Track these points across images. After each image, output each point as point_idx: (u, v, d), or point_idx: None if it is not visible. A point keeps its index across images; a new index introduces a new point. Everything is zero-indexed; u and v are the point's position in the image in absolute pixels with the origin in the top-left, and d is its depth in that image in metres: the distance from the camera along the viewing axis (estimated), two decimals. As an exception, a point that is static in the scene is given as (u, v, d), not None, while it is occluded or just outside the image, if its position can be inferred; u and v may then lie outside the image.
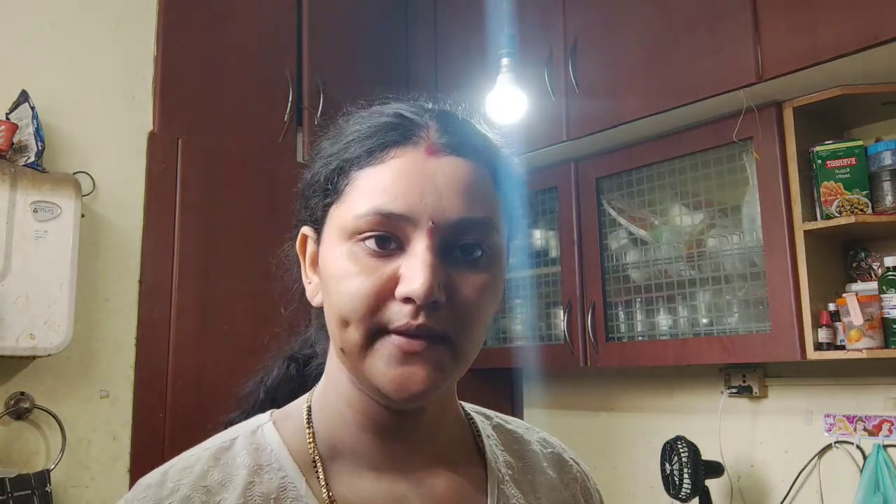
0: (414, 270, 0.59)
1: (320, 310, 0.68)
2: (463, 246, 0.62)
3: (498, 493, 0.71)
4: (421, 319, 0.59)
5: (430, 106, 0.68)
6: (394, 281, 0.60)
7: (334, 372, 0.68)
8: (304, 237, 0.70)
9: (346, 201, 0.63)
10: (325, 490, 0.65)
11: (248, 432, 0.69)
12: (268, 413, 0.71)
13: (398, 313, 0.59)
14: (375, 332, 0.60)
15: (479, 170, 0.63)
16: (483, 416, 0.79)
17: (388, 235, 0.60)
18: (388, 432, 0.67)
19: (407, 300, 0.59)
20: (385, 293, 0.60)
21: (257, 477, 0.64)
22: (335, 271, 0.62)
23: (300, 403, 0.71)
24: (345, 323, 0.61)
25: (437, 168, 0.61)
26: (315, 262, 0.68)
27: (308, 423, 0.69)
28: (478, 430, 0.76)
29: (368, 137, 0.64)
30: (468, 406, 0.79)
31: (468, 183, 0.62)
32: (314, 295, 0.69)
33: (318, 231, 0.67)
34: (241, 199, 2.28)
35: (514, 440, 0.78)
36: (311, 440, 0.67)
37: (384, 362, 0.60)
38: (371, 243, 0.60)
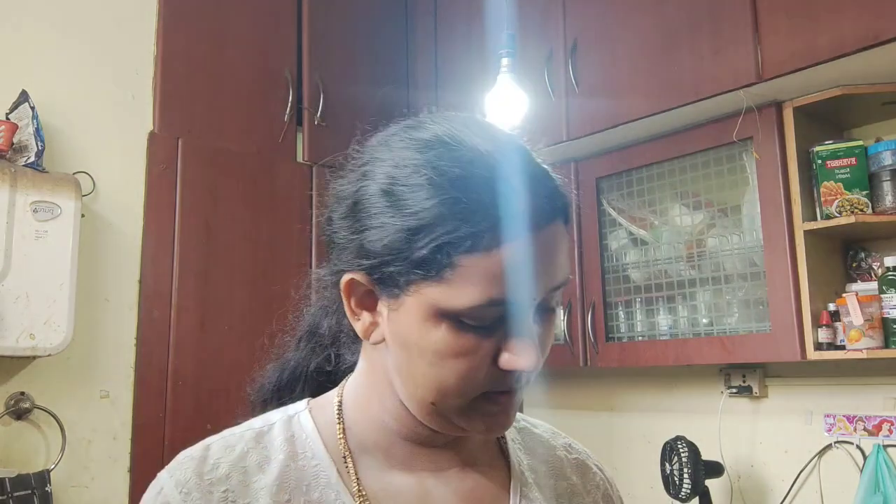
0: (524, 348, 0.60)
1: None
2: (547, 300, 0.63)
3: (521, 496, 0.72)
4: (520, 382, 0.62)
5: (516, 158, 0.62)
6: (497, 350, 0.61)
7: (382, 387, 0.68)
8: (354, 282, 0.64)
9: (449, 284, 0.58)
10: (355, 481, 0.66)
11: (286, 418, 0.71)
12: (304, 401, 0.73)
13: (499, 381, 0.61)
14: (476, 398, 0.62)
15: (566, 229, 0.63)
16: None
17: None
18: (423, 439, 0.69)
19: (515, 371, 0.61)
20: (486, 365, 0.61)
21: (293, 462, 0.67)
22: (433, 347, 0.60)
23: (331, 397, 0.73)
24: (447, 393, 0.62)
25: (540, 243, 0.59)
26: (365, 303, 0.65)
27: (339, 417, 0.70)
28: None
29: (472, 222, 0.57)
30: None
31: (563, 248, 0.62)
32: (369, 333, 0.65)
33: (388, 289, 0.62)
34: (241, 199, 2.28)
35: (538, 444, 0.79)
36: (341, 435, 0.69)
37: (479, 418, 0.63)
38: (474, 323, 0.59)
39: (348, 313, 0.67)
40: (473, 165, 0.59)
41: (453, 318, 0.59)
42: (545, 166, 0.64)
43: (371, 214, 0.61)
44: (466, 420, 0.63)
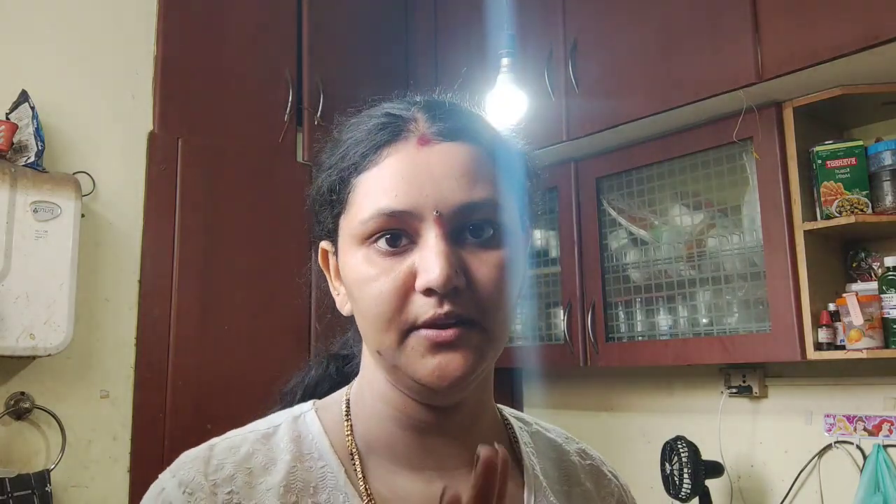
0: (429, 261, 0.59)
1: (353, 316, 0.69)
2: (472, 228, 0.62)
3: (535, 501, 0.70)
4: (446, 307, 0.59)
5: (418, 99, 0.68)
6: (412, 276, 0.60)
7: (369, 371, 0.69)
8: (325, 251, 0.71)
9: (352, 209, 0.64)
10: (362, 483, 0.65)
11: (291, 419, 0.70)
12: (310, 402, 0.72)
13: (423, 306, 0.59)
14: (406, 329, 0.60)
15: (475, 151, 0.63)
16: (521, 423, 0.79)
17: (397, 232, 0.61)
18: (424, 428, 0.67)
19: (428, 291, 0.59)
20: (406, 289, 0.60)
21: (299, 463, 0.66)
22: (355, 278, 0.63)
23: (339, 396, 0.72)
24: (375, 326, 0.61)
25: (431, 157, 0.62)
26: (339, 273, 0.69)
27: (346, 415, 0.69)
28: (515, 436, 0.75)
29: (361, 142, 0.64)
30: (507, 410, 0.79)
31: (465, 166, 0.62)
32: (343, 305, 0.69)
33: (335, 243, 0.68)
34: (241, 199, 2.28)
35: (552, 449, 0.78)
36: (349, 433, 0.68)
37: (420, 355, 0.60)
38: (382, 244, 0.61)
39: (331, 290, 0.71)
40: (371, 110, 0.67)
41: (364, 243, 0.62)
42: (471, 108, 0.69)
43: (313, 184, 0.70)
44: (409, 364, 0.61)
